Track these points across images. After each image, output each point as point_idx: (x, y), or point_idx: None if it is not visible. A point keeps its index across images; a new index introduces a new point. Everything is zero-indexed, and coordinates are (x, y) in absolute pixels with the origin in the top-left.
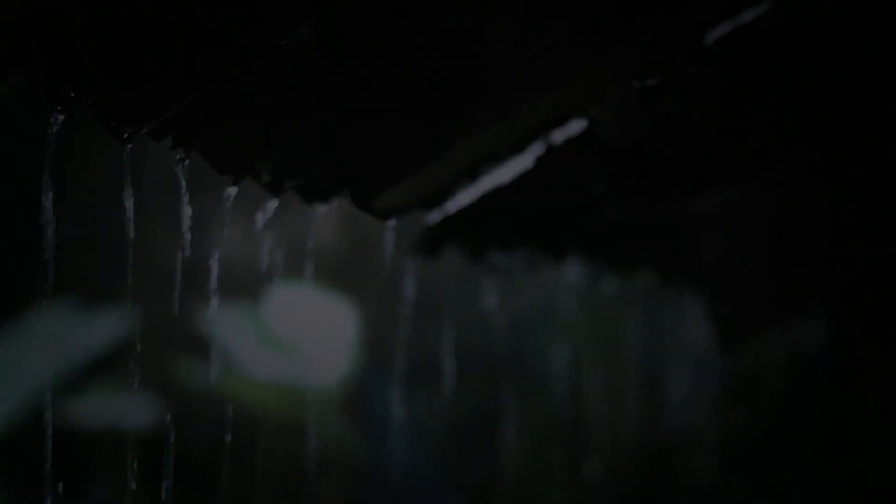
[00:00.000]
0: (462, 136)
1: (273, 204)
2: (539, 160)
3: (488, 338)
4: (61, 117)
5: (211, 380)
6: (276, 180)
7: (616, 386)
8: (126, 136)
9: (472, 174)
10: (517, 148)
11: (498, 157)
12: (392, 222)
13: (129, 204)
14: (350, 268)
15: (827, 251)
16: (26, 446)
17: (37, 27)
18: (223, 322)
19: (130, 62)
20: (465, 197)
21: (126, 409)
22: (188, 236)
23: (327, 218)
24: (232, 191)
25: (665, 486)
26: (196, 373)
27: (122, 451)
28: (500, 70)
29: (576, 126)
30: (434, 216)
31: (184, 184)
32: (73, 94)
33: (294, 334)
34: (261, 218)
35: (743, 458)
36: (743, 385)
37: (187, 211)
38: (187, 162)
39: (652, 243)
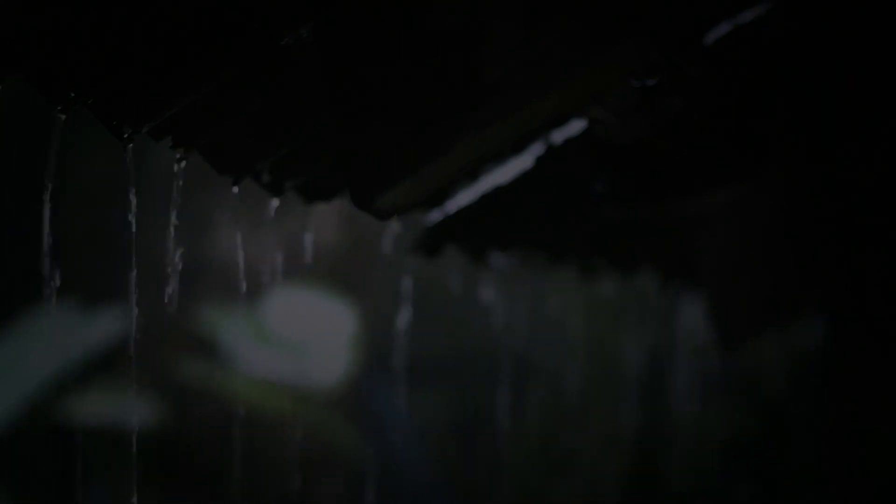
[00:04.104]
0: (462, 136)
1: (274, 203)
2: (539, 160)
3: (488, 338)
4: (62, 117)
5: (211, 379)
6: (276, 180)
7: (616, 386)
8: (126, 136)
9: (472, 174)
10: (517, 148)
11: (498, 157)
12: (392, 222)
13: (130, 203)
14: (350, 267)
15: (827, 251)
16: (26, 446)
17: (37, 27)
18: (224, 321)
19: (130, 62)
20: (465, 197)
21: (126, 408)
22: (188, 236)
23: (327, 218)
24: (233, 191)
25: (666, 486)
26: (197, 372)
27: (122, 450)
28: (500, 70)
29: (576, 126)
30: (434, 216)
31: (182, 183)
32: (73, 94)
33: (294, 333)
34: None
35: (743, 457)
36: (743, 385)
37: (188, 211)
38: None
39: (652, 243)
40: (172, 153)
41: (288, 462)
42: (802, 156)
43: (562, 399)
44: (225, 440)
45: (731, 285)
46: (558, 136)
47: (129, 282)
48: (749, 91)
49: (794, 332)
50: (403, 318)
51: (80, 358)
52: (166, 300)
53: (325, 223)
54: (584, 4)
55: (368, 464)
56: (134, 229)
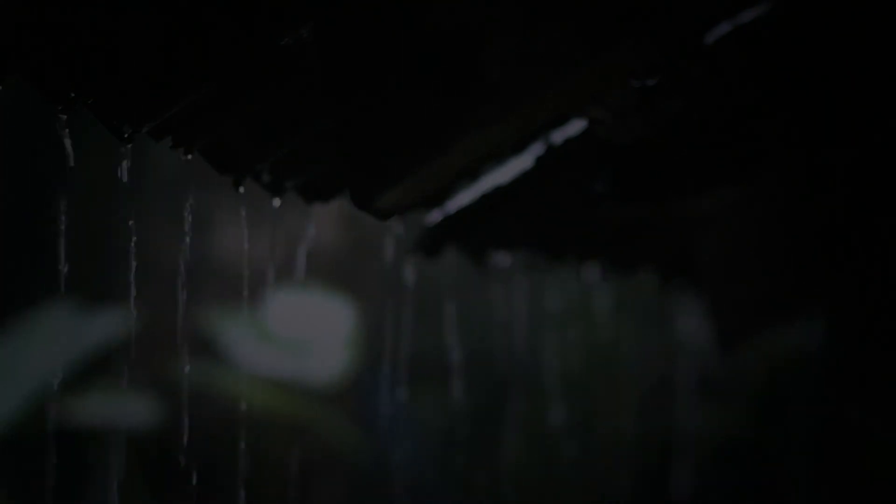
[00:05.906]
0: (462, 136)
1: (275, 203)
2: (539, 160)
3: (488, 338)
4: (62, 117)
5: (212, 379)
6: (276, 180)
7: (616, 386)
8: (126, 136)
9: (472, 174)
10: (517, 148)
11: (498, 157)
12: (392, 222)
13: (130, 203)
14: (350, 267)
15: (826, 251)
16: (26, 446)
17: (37, 27)
18: (224, 321)
19: (130, 62)
20: (465, 197)
21: (126, 408)
22: (189, 236)
23: (327, 218)
24: (232, 191)
25: (665, 486)
26: (197, 372)
27: (122, 450)
28: (500, 70)
29: (576, 126)
30: (434, 216)
31: (184, 184)
32: (73, 94)
33: (295, 333)
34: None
35: (743, 458)
36: (743, 385)
37: (188, 211)
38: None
39: (652, 243)
40: (174, 153)
41: (289, 462)
42: (802, 156)
43: (560, 400)
44: (226, 440)
45: (730, 285)
46: (558, 136)
47: (128, 282)
48: (749, 91)
49: (793, 332)
50: (404, 318)
51: (79, 358)
52: (169, 299)
53: (325, 223)
54: (584, 4)
55: (369, 464)
56: (134, 229)
